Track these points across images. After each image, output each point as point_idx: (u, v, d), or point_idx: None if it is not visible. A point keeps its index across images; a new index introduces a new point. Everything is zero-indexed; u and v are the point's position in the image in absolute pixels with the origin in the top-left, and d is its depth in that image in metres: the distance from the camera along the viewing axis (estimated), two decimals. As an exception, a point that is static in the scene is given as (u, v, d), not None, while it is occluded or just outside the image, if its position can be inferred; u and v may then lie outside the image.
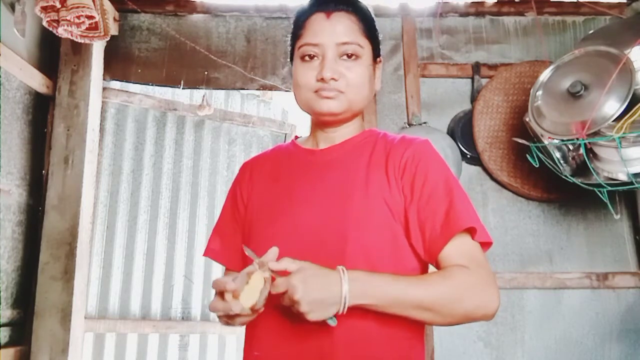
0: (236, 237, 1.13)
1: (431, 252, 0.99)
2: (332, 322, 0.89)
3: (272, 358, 0.99)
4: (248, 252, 0.94)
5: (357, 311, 0.94)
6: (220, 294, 0.89)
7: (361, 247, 0.96)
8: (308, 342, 0.96)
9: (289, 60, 1.14)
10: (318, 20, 1.05)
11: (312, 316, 0.86)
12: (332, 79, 1.02)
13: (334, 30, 1.03)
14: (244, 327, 1.10)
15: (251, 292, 0.87)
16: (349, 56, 1.04)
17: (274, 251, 0.92)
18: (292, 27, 1.11)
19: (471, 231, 0.99)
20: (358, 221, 0.99)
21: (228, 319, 0.92)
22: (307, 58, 1.05)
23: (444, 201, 0.99)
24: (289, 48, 1.13)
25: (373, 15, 1.12)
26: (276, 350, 0.99)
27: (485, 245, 1.01)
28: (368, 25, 1.08)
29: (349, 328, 0.95)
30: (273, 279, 0.89)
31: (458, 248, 0.97)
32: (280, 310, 0.98)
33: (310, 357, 0.96)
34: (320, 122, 1.11)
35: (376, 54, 1.11)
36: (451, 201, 0.99)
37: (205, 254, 1.18)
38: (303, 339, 0.97)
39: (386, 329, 0.97)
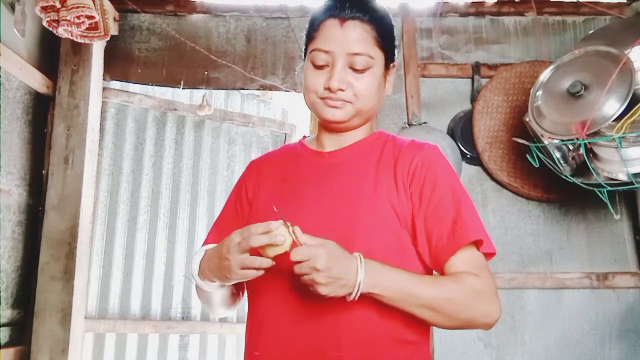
0: None
1: (437, 260, 1.00)
2: None
3: (274, 358, 0.99)
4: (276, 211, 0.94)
5: (364, 313, 0.95)
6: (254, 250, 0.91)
7: (367, 250, 0.96)
8: (311, 344, 0.96)
9: (302, 56, 1.13)
10: (331, 27, 1.03)
11: (325, 290, 0.87)
12: (340, 89, 1.02)
13: (346, 40, 1.02)
14: (244, 327, 1.10)
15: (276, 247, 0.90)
16: (357, 70, 1.02)
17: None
18: (308, 25, 1.10)
19: (477, 242, 1.00)
20: (365, 225, 0.99)
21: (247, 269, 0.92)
22: (317, 64, 1.04)
23: (451, 210, 1.00)
24: (303, 45, 1.12)
25: (391, 21, 1.09)
26: (278, 350, 0.98)
27: (489, 255, 1.03)
28: (383, 33, 1.05)
29: (355, 330, 0.96)
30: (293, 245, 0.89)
31: (465, 259, 0.98)
32: (284, 309, 0.99)
33: (317, 358, 0.96)
34: (328, 127, 1.11)
35: (390, 60, 1.09)
36: (459, 211, 1.00)
37: (203, 246, 1.18)
38: (306, 339, 0.96)
39: (393, 333, 0.98)
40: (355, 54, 1.02)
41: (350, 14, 1.02)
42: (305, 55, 1.11)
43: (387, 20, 1.08)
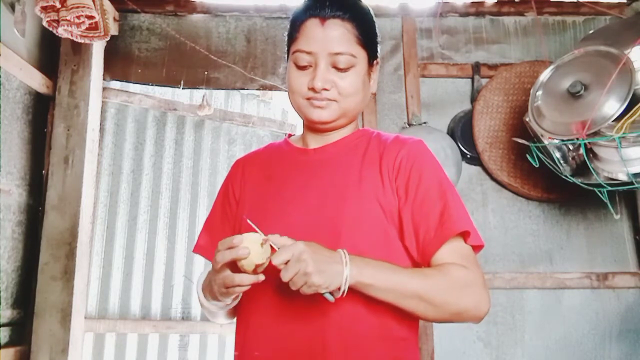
0: (225, 233, 1.12)
1: (425, 254, 0.99)
2: (330, 298, 0.89)
3: (271, 357, 0.99)
4: (250, 223, 0.93)
5: (352, 310, 0.95)
6: (232, 264, 0.90)
7: (354, 247, 0.96)
8: (299, 343, 0.96)
9: (285, 57, 1.13)
10: (312, 27, 1.03)
11: (320, 282, 0.85)
12: (324, 89, 1.02)
13: (328, 39, 1.01)
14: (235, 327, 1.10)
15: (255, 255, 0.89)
16: (340, 69, 1.02)
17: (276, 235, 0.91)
18: (289, 26, 1.09)
19: (464, 234, 1.00)
20: (351, 221, 0.99)
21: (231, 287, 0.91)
22: (300, 65, 1.04)
23: (437, 204, 0.99)
24: (286, 47, 1.12)
25: (373, 17, 1.09)
26: (267, 350, 0.99)
27: (477, 247, 1.02)
28: (364, 31, 1.05)
29: (342, 328, 0.96)
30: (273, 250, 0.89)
31: (452, 251, 0.98)
32: (273, 308, 0.99)
33: (304, 357, 0.96)
34: (313, 128, 1.11)
35: (373, 57, 1.09)
36: (445, 204, 0.99)
37: (194, 250, 1.18)
38: (294, 339, 0.97)
39: (381, 329, 0.98)
40: (338, 54, 1.01)
41: (331, 13, 1.02)
42: (288, 57, 1.10)
43: (368, 18, 1.08)
